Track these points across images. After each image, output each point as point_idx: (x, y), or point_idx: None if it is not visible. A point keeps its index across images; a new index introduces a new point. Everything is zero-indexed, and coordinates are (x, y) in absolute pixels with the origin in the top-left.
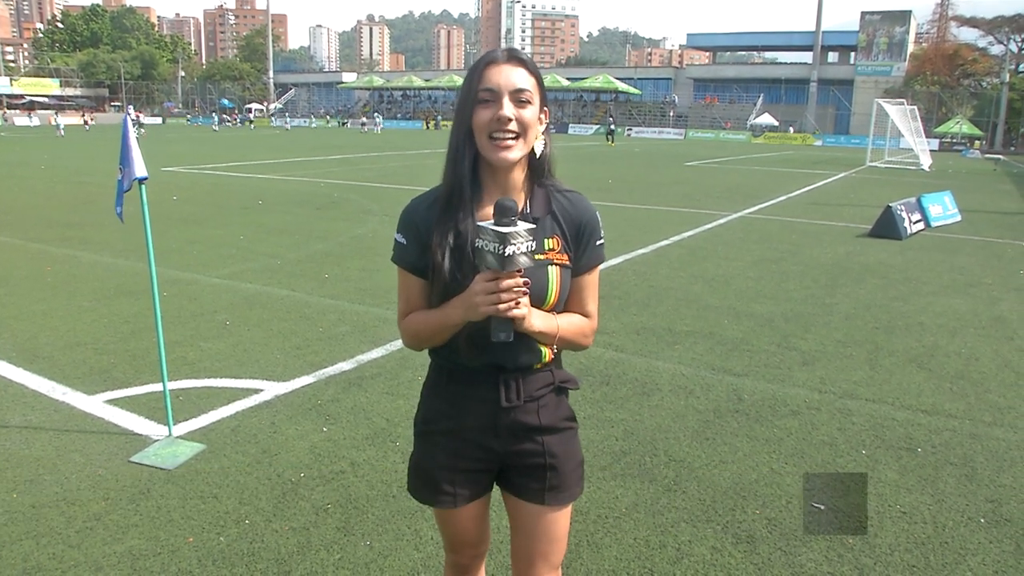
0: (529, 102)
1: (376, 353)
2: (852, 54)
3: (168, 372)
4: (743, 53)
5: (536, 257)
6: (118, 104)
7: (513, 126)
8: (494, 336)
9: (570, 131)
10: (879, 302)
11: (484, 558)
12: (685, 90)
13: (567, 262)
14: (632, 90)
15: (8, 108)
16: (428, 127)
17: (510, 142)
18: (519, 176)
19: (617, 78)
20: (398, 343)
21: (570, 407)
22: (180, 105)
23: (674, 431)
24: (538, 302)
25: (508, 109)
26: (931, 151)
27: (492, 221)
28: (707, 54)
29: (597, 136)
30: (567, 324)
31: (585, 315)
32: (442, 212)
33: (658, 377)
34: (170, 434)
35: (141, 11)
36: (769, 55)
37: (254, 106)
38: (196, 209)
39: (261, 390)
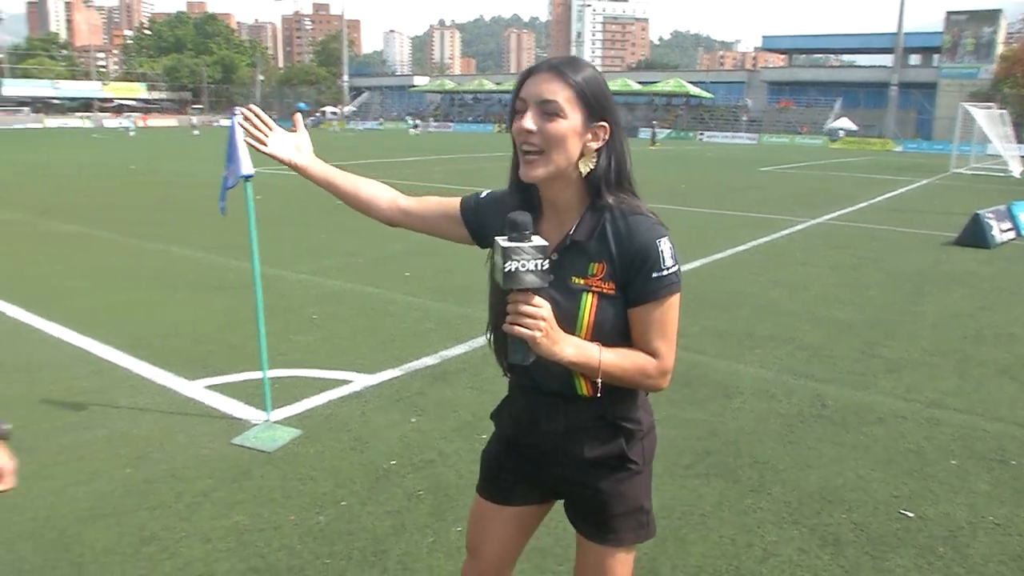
0: (557, 115)
1: (459, 349)
2: (935, 56)
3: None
4: (820, 56)
5: (574, 281)
6: (200, 107)
7: (535, 139)
8: (510, 357)
9: (641, 135)
10: (966, 311)
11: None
12: (759, 94)
13: (612, 291)
14: (704, 94)
15: (99, 111)
16: (500, 130)
17: (532, 157)
18: (568, 194)
19: (689, 82)
20: (481, 340)
21: (631, 450)
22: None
23: (757, 434)
24: (569, 325)
25: (528, 121)
26: (1021, 157)
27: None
28: (782, 57)
29: (669, 140)
30: (617, 359)
31: (649, 353)
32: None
33: (739, 380)
34: (268, 419)
35: (222, 17)
36: (847, 58)
37: (328, 109)
38: (277, 208)
39: (351, 381)
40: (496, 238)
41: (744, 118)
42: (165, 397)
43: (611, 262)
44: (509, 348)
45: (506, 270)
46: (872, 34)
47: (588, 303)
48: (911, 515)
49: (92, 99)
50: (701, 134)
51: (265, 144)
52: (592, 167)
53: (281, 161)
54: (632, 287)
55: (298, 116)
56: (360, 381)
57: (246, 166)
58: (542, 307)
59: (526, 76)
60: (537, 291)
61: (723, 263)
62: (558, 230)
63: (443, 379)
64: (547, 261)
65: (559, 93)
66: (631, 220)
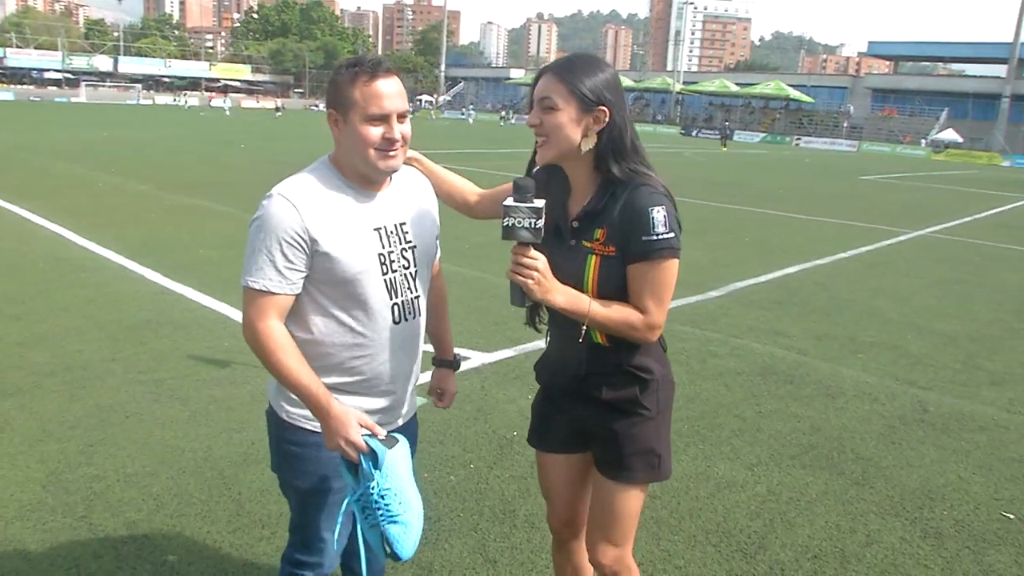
0: (553, 108)
1: None
2: None
3: None
4: (927, 64)
5: (584, 244)
6: (301, 91)
7: (541, 130)
8: (510, 300)
9: (736, 138)
10: None
11: (580, 535)
12: (861, 100)
13: (612, 253)
14: (805, 98)
15: (206, 90)
16: None
17: (540, 143)
18: (581, 171)
19: (789, 85)
20: None
21: (646, 397)
22: None
23: (860, 432)
24: (577, 283)
25: (533, 116)
26: None
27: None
28: (887, 63)
29: (764, 144)
30: (605, 310)
31: (639, 309)
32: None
33: (842, 382)
34: None
35: (327, 4)
36: (956, 67)
37: (424, 97)
38: None
39: (468, 358)
40: (503, 202)
41: (844, 124)
42: None
43: (612, 226)
44: (510, 292)
45: (504, 224)
46: (985, 43)
47: (592, 263)
48: (1011, 517)
49: (200, 79)
50: (798, 139)
51: None
52: (592, 145)
53: None
54: (628, 248)
55: None
56: (477, 358)
57: None
58: (537, 259)
59: (536, 79)
60: (535, 245)
61: (824, 269)
62: (580, 202)
63: None
64: (541, 220)
65: (553, 91)
66: (636, 190)
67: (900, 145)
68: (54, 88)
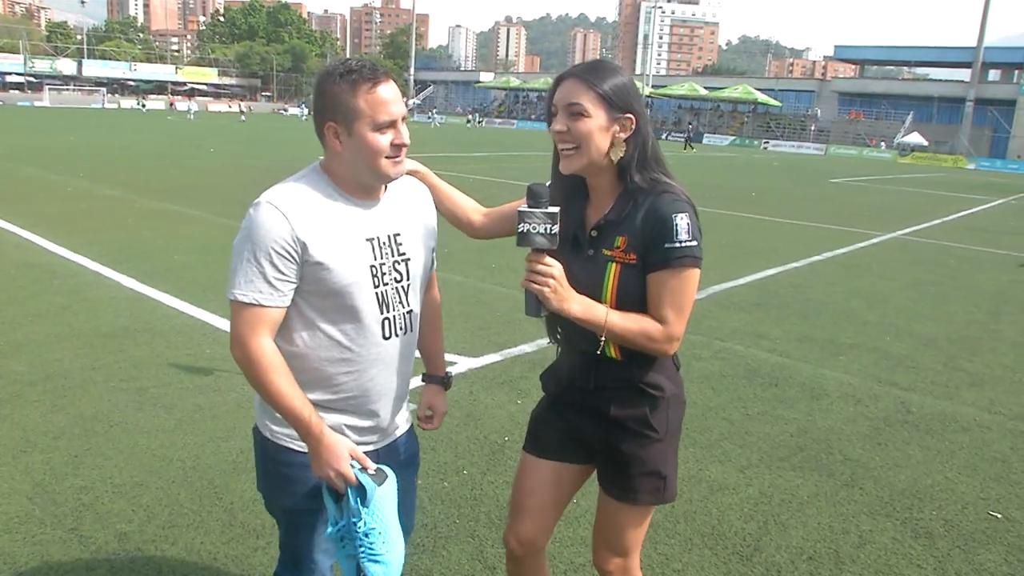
0: (583, 115)
1: None
2: (1016, 72)
3: None
4: (892, 67)
5: (603, 253)
6: (269, 94)
7: (568, 138)
8: (526, 310)
9: (705, 141)
10: None
11: (540, 553)
12: (828, 104)
13: (633, 260)
14: (772, 101)
15: (172, 94)
16: None
17: (569, 152)
18: (604, 180)
19: (756, 88)
20: None
21: (655, 417)
22: None
23: (846, 434)
24: (596, 295)
25: (558, 123)
26: None
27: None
28: (853, 67)
29: (733, 147)
30: (622, 320)
31: (658, 319)
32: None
33: (825, 383)
34: None
35: (294, 7)
36: (921, 71)
37: None
38: None
39: (455, 363)
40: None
41: (812, 128)
42: None
43: (633, 234)
44: (525, 302)
45: (520, 231)
46: (950, 47)
47: (611, 272)
48: (999, 516)
49: (166, 82)
50: (766, 143)
51: None
52: (622, 154)
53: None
54: (649, 255)
55: None
56: (464, 363)
57: None
58: (552, 266)
59: (556, 83)
60: (549, 252)
61: (800, 272)
62: (599, 211)
63: (542, 365)
64: (556, 226)
65: (582, 96)
66: (658, 197)
67: (867, 148)
68: (16, 92)
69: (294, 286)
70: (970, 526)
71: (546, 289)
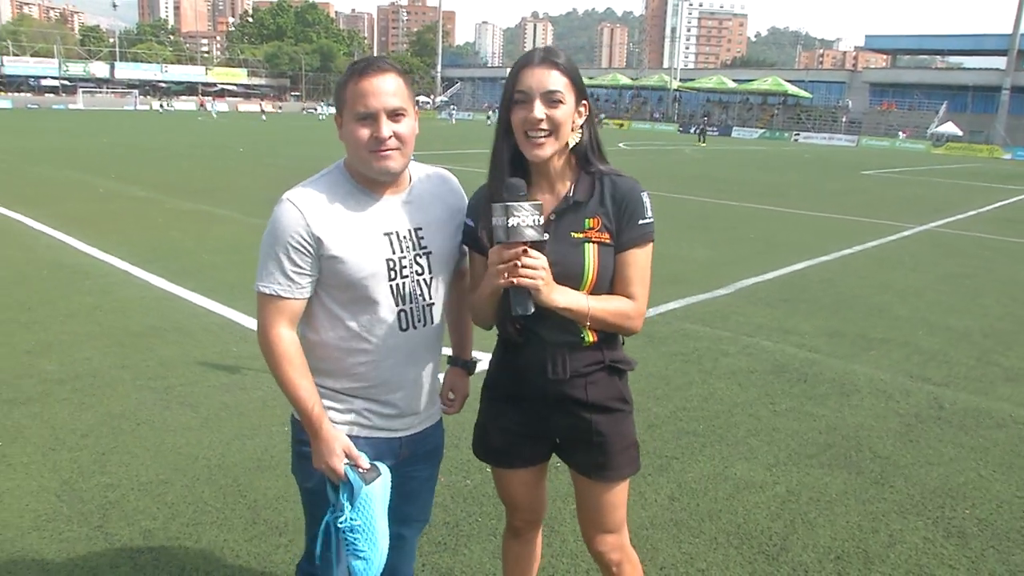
0: (560, 102)
1: None
2: None
3: None
4: (925, 57)
5: (573, 235)
6: (298, 94)
7: (544, 125)
8: (513, 309)
9: (734, 134)
10: None
11: (539, 525)
12: (860, 95)
13: (608, 240)
14: (802, 93)
15: (202, 95)
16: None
17: (542, 140)
18: (561, 164)
19: (786, 80)
20: None
21: (624, 389)
22: None
23: (876, 430)
24: (575, 278)
25: (538, 110)
26: None
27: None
28: (885, 57)
29: (763, 140)
30: (602, 305)
31: (628, 296)
32: (486, 200)
33: (855, 379)
34: None
35: (322, 7)
36: (954, 59)
37: (420, 98)
38: None
39: (479, 360)
40: (494, 203)
41: (843, 119)
42: None
43: (606, 215)
44: (512, 301)
45: (510, 225)
46: (984, 35)
47: (591, 252)
48: None
49: (196, 83)
50: (797, 135)
51: None
52: (578, 140)
53: None
54: (622, 234)
55: None
56: (487, 360)
57: None
58: (539, 258)
59: (520, 69)
60: (534, 244)
61: (830, 266)
62: (551, 197)
63: None
64: (541, 217)
65: (559, 82)
66: (618, 180)
67: (899, 139)
68: (51, 95)
69: (312, 279)
70: (1005, 525)
71: (539, 282)
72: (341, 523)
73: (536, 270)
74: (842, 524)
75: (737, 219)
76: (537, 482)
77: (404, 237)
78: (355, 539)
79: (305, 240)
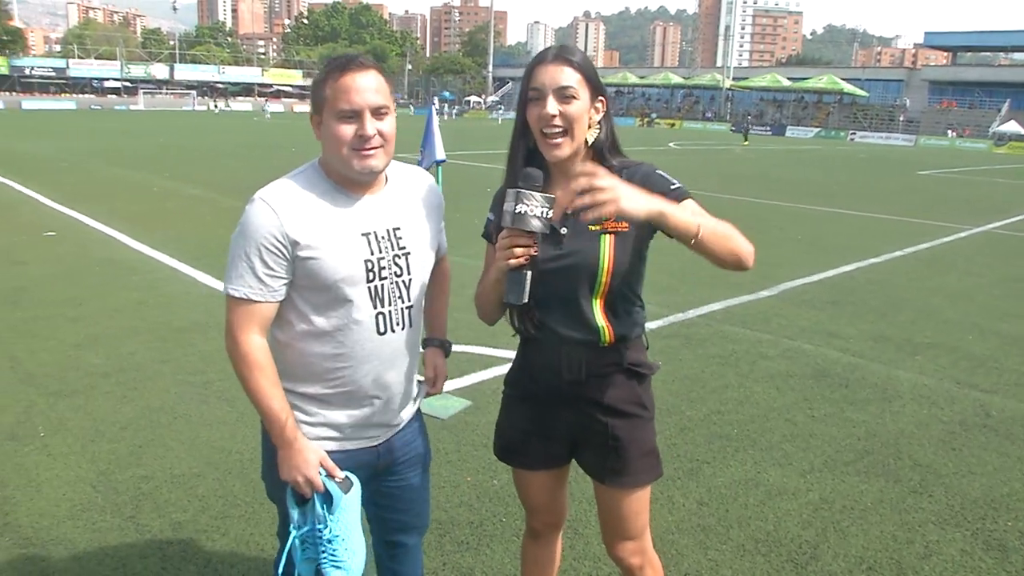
0: (574, 98)
1: None
2: None
3: None
4: (988, 54)
5: (590, 228)
6: None
7: (558, 121)
8: (506, 297)
9: (788, 134)
10: None
11: (559, 529)
12: (918, 93)
13: (625, 228)
14: (859, 92)
15: (259, 96)
16: (642, 124)
17: (558, 139)
18: (576, 164)
19: (842, 79)
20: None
21: (644, 395)
22: (405, 96)
23: (918, 438)
24: (592, 269)
25: (551, 107)
26: None
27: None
28: (945, 54)
29: (818, 139)
30: (712, 218)
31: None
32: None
33: (899, 385)
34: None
35: (375, 8)
36: (1018, 56)
37: (472, 98)
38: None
39: (489, 354)
40: (508, 188)
41: (901, 118)
42: None
43: None
44: (506, 288)
45: (516, 211)
46: None
47: (607, 242)
48: None
49: (253, 84)
50: (853, 134)
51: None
52: (596, 136)
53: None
54: None
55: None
56: (503, 355)
57: (440, 152)
58: (548, 203)
59: (534, 67)
60: (535, 235)
61: (880, 268)
62: (571, 194)
63: None
64: (551, 212)
65: (572, 78)
66: (633, 168)
67: (960, 138)
68: (114, 96)
69: (285, 282)
70: None
71: (609, 205)
72: (321, 533)
73: (525, 248)
74: (876, 533)
75: (787, 219)
76: (556, 486)
77: (383, 237)
78: (335, 549)
79: (279, 242)
